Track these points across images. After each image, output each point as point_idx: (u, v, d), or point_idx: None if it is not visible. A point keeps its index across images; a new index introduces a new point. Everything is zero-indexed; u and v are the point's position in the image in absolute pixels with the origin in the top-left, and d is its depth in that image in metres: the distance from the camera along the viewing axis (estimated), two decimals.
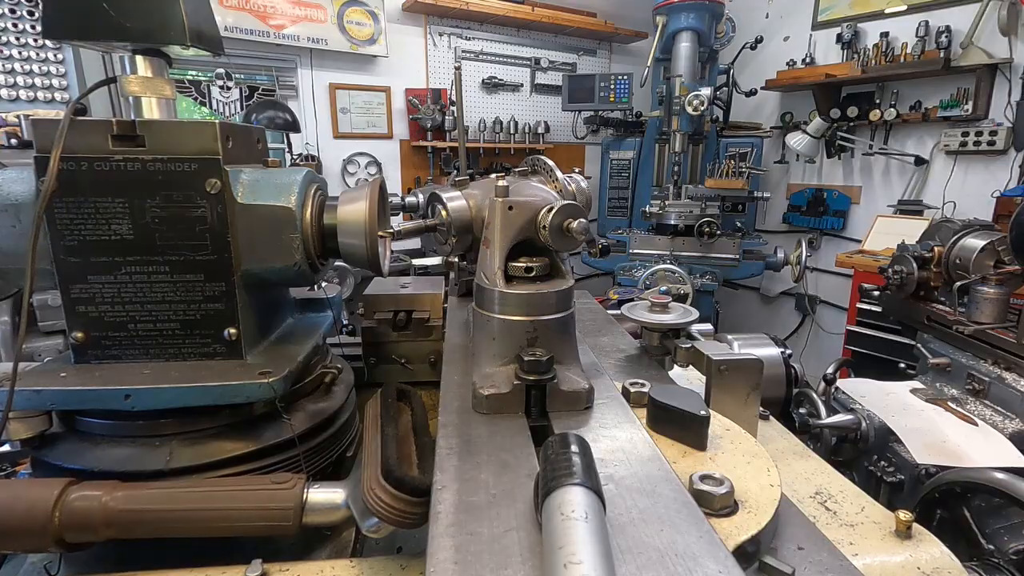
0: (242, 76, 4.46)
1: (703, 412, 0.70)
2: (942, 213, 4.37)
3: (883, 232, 4.30)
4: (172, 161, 0.79)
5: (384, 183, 0.94)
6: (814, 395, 1.84)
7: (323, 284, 1.11)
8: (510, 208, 0.78)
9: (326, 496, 0.69)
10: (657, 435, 0.72)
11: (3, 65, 3.03)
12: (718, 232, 4.04)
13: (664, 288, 3.73)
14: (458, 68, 1.66)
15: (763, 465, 0.68)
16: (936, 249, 2.04)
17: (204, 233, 0.81)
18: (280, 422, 0.87)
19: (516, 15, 5.25)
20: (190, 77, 4.25)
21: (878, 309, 3.12)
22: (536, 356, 0.70)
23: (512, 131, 5.56)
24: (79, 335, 0.82)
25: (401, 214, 3.05)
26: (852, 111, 4.80)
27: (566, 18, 5.53)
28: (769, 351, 1.22)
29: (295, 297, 1.12)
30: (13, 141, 2.29)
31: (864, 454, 1.78)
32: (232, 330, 0.85)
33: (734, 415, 0.84)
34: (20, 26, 3.05)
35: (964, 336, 1.89)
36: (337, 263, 0.94)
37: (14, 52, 3.05)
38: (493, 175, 1.07)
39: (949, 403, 1.81)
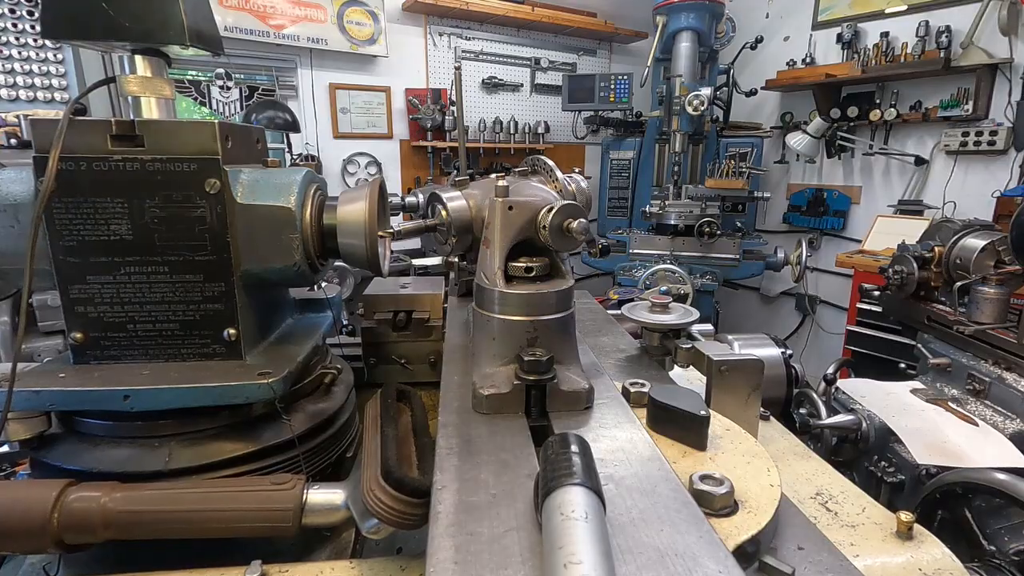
0: (242, 76, 4.46)
1: (703, 412, 0.70)
2: (942, 213, 4.37)
3: (883, 232, 4.30)
4: (171, 161, 0.79)
5: (384, 183, 0.94)
6: (814, 395, 1.84)
7: (323, 284, 1.11)
8: (510, 208, 0.78)
9: (326, 497, 0.69)
10: (657, 435, 0.71)
11: (3, 65, 3.03)
12: (718, 232, 4.04)
13: (664, 288, 3.73)
14: (458, 68, 1.66)
15: (763, 465, 0.67)
16: (936, 249, 2.04)
17: (203, 233, 0.81)
18: (280, 423, 0.87)
19: (516, 15, 5.25)
20: (190, 77, 4.25)
21: (878, 309, 3.12)
22: (536, 356, 0.70)
23: (512, 131, 5.56)
24: (78, 335, 0.82)
25: (401, 214, 3.05)
26: (852, 111, 4.80)
27: (566, 18, 5.53)
28: (769, 351, 1.22)
29: (295, 297, 1.12)
30: (12, 141, 2.28)
31: (864, 454, 1.77)
32: (231, 330, 0.85)
33: (734, 415, 0.84)
34: (20, 26, 3.05)
35: (964, 336, 1.89)
36: (337, 263, 0.94)
37: (14, 52, 3.05)
38: (493, 175, 1.07)
39: (949, 403, 1.80)
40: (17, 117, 2.60)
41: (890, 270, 2.19)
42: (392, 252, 1.03)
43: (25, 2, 3.04)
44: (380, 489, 0.62)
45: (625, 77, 5.13)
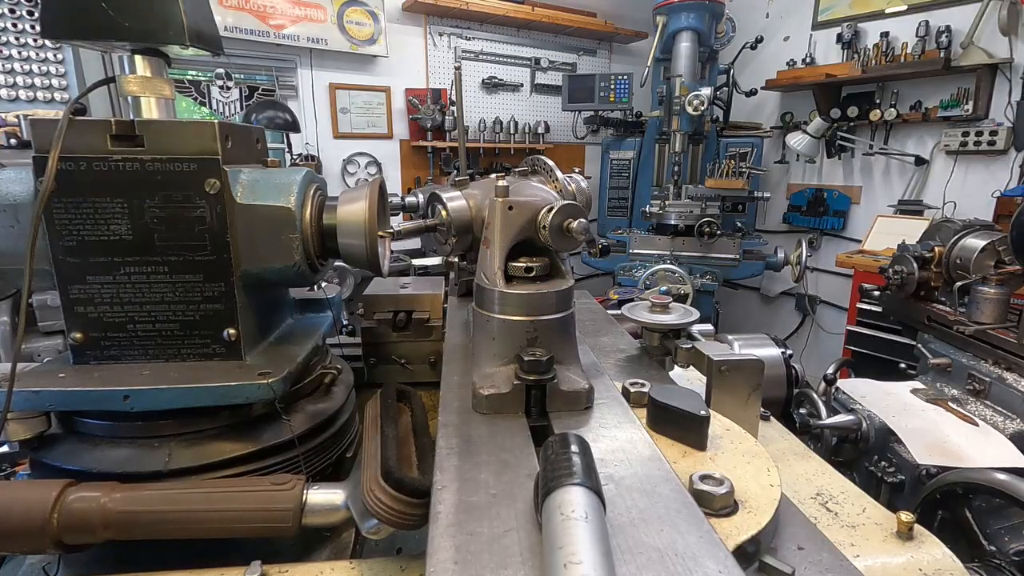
0: (242, 76, 4.46)
1: (703, 412, 0.70)
2: (942, 213, 4.37)
3: (883, 232, 4.30)
4: (171, 161, 0.78)
5: (384, 183, 0.94)
6: (814, 395, 1.84)
7: (323, 284, 1.11)
8: (510, 208, 0.78)
9: (326, 497, 0.69)
10: (657, 435, 0.71)
11: (3, 65, 3.03)
12: (718, 232, 4.04)
13: (664, 288, 3.73)
14: (458, 68, 1.66)
15: (763, 465, 0.67)
16: (936, 249, 2.03)
17: (203, 233, 0.81)
18: (280, 423, 0.87)
19: (516, 15, 5.25)
20: (190, 77, 4.25)
21: (878, 309, 3.12)
22: (536, 356, 0.70)
23: (512, 131, 5.56)
24: (78, 336, 0.82)
25: (401, 214, 3.05)
26: (852, 111, 4.80)
27: (566, 18, 5.53)
28: (769, 351, 1.22)
29: (295, 297, 1.12)
30: (12, 141, 2.28)
31: (865, 454, 1.77)
32: (231, 331, 0.85)
33: (734, 415, 0.84)
34: (20, 26, 3.05)
35: (964, 336, 1.89)
36: (337, 263, 0.94)
37: (14, 52, 3.05)
38: (493, 175, 1.07)
39: (950, 403, 1.80)
40: (17, 117, 2.59)
41: (890, 270, 2.19)
42: (392, 252, 1.02)
43: (25, 2, 3.04)
44: (380, 489, 0.62)
45: (625, 77, 5.13)
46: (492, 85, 5.60)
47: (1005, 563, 1.30)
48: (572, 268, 2.81)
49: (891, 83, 4.71)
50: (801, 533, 0.67)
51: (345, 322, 1.35)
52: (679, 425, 0.71)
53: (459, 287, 1.27)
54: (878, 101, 4.76)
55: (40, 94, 3.13)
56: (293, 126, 4.08)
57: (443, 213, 0.99)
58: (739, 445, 0.72)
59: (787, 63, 5.34)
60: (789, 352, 1.24)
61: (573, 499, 0.43)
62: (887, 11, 4.70)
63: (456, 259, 1.16)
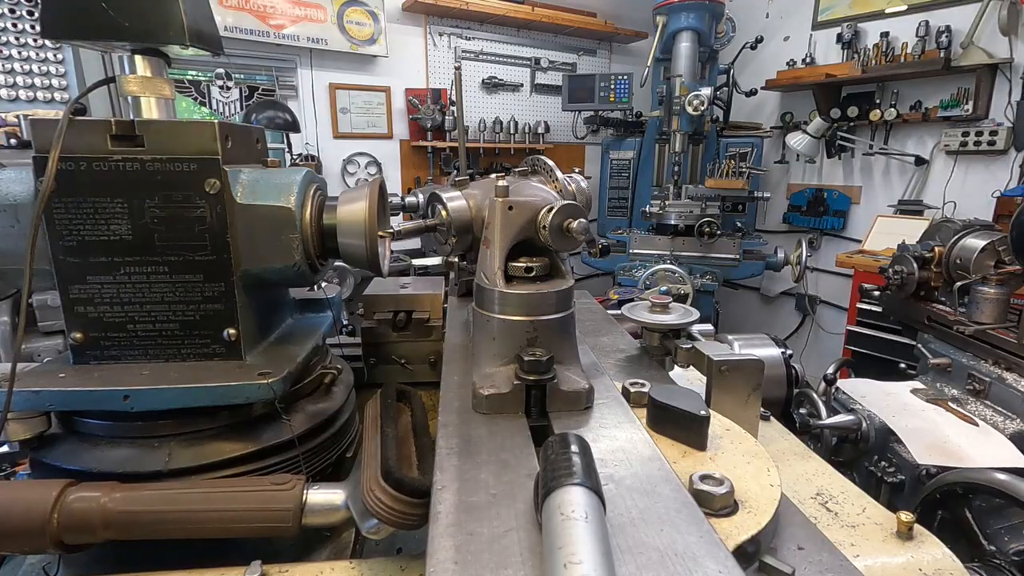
0: (242, 76, 4.46)
1: (703, 412, 0.70)
2: (942, 213, 4.37)
3: (883, 232, 4.30)
4: (171, 161, 0.78)
5: (384, 183, 0.94)
6: (814, 395, 1.84)
7: (323, 284, 1.11)
8: (510, 208, 0.78)
9: (326, 497, 0.69)
10: (657, 435, 0.71)
11: (3, 65, 3.03)
12: (718, 232, 4.04)
13: (664, 288, 3.73)
14: (458, 68, 1.66)
15: (763, 465, 0.67)
16: (936, 249, 2.04)
17: (203, 233, 0.81)
18: (280, 423, 0.87)
19: (516, 15, 5.25)
20: (190, 77, 4.25)
21: (878, 309, 3.12)
22: (536, 356, 0.70)
23: (512, 131, 5.56)
24: (78, 336, 0.82)
25: (401, 214, 3.05)
26: (852, 111, 4.80)
27: (566, 18, 5.53)
28: (769, 351, 1.22)
29: (295, 297, 1.12)
30: (12, 141, 2.28)
31: (865, 454, 1.77)
32: (231, 330, 0.85)
33: (734, 415, 0.84)
34: (20, 26, 3.05)
35: (964, 336, 1.89)
36: (337, 263, 0.94)
37: (14, 52, 3.05)
38: (493, 175, 1.07)
39: (950, 403, 1.80)
40: (17, 117, 2.59)
41: (890, 270, 2.19)
42: (392, 252, 1.02)
43: (25, 2, 3.04)
44: (380, 489, 0.62)
45: (625, 77, 5.13)
46: (492, 85, 5.60)
47: (1005, 563, 1.30)
48: (572, 268, 2.81)
49: (891, 83, 4.71)
50: (801, 533, 0.67)
51: (345, 322, 1.35)
52: (679, 425, 0.71)
53: (459, 287, 1.27)
54: (878, 101, 4.76)
55: (40, 94, 3.13)
56: (293, 126, 4.08)
57: (443, 213, 0.99)
58: (739, 445, 0.72)
59: (787, 63, 5.34)
60: (789, 352, 1.24)
61: (573, 499, 0.43)
62: (887, 11, 4.70)
63: (456, 259, 1.16)
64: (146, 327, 0.84)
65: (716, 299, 4.40)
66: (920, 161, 4.61)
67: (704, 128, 4.47)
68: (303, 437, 0.87)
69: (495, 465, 0.59)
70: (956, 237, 2.00)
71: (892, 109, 4.61)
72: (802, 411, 1.84)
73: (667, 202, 4.25)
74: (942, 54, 4.22)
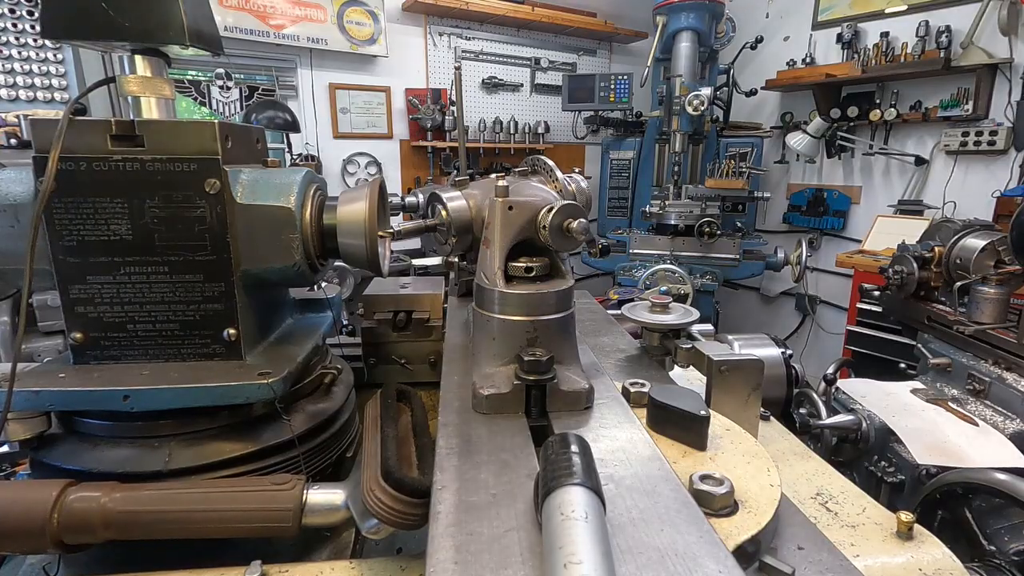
0: (242, 76, 4.46)
1: (703, 412, 0.70)
2: (942, 213, 4.37)
3: (883, 232, 4.30)
4: (171, 161, 0.78)
5: (384, 183, 0.94)
6: (814, 395, 1.84)
7: (323, 284, 1.11)
8: (510, 208, 0.78)
9: (326, 497, 0.69)
10: (657, 435, 0.71)
11: (3, 65, 3.03)
12: (718, 232, 4.04)
13: (664, 288, 3.73)
14: (458, 68, 1.66)
15: (763, 465, 0.67)
16: (936, 249, 2.04)
17: (203, 233, 0.81)
18: (280, 423, 0.87)
19: (516, 15, 5.25)
20: (190, 77, 4.25)
21: (878, 309, 3.12)
22: (536, 356, 0.70)
23: (512, 131, 5.56)
24: (78, 336, 0.82)
25: (401, 214, 3.05)
26: (852, 111, 4.80)
27: (566, 18, 5.53)
28: (769, 351, 1.22)
29: (295, 297, 1.12)
30: (12, 141, 2.28)
31: (865, 454, 1.77)
32: (231, 330, 0.85)
33: (734, 415, 0.84)
34: (20, 26, 3.05)
35: (964, 336, 1.89)
36: (337, 263, 0.94)
37: (14, 52, 3.05)
38: (493, 175, 1.07)
39: (950, 403, 1.80)
40: (17, 117, 2.59)
41: (890, 270, 2.19)
42: (392, 252, 1.02)
43: (25, 2, 3.04)
44: (380, 489, 0.62)
45: (625, 77, 5.14)
46: (492, 85, 5.60)
47: (1005, 563, 1.30)
48: (572, 268, 2.81)
49: (891, 83, 4.71)
50: (801, 533, 0.67)
51: (345, 322, 1.35)
52: (679, 425, 0.71)
53: (459, 287, 1.27)
54: (878, 101, 4.76)
55: (40, 94, 3.13)
56: (293, 126, 4.08)
57: (443, 213, 0.99)
58: (739, 445, 0.72)
59: (787, 63, 5.34)
60: (789, 352, 1.24)
61: (573, 499, 0.43)
62: (887, 11, 4.70)
63: (456, 259, 1.16)
64: (146, 327, 0.84)
65: (716, 299, 4.40)
66: (920, 161, 4.61)
67: (704, 128, 4.47)
68: (303, 437, 0.87)
69: (495, 465, 0.59)
70: (956, 237, 2.00)
71: (892, 109, 4.62)
72: (802, 411, 1.84)
73: (667, 202, 4.25)
74: (942, 54, 4.22)
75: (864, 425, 1.75)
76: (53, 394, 0.76)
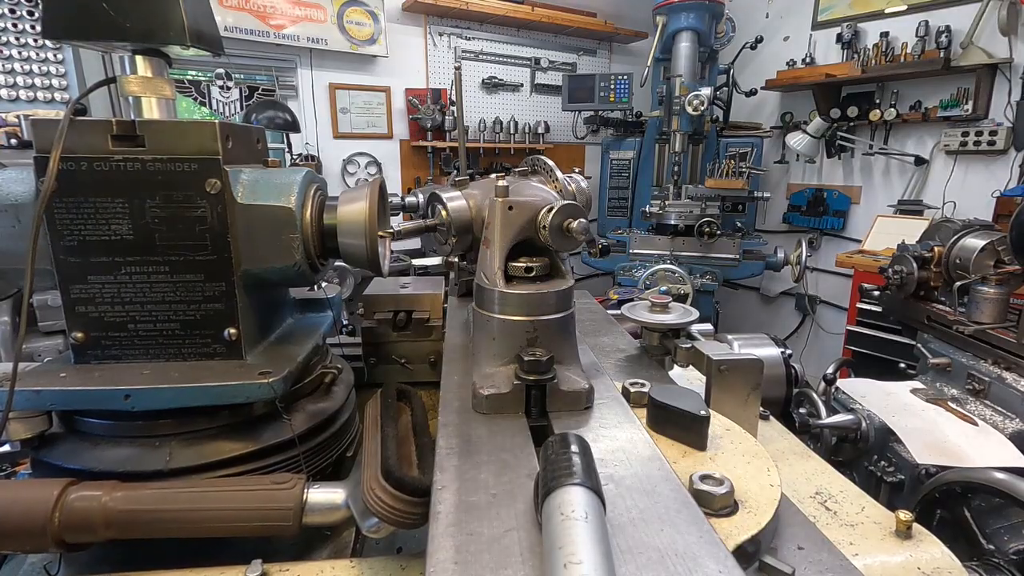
0: (242, 76, 4.46)
1: (703, 412, 0.70)
2: (942, 213, 4.37)
3: (883, 232, 4.30)
4: (172, 161, 0.79)
5: (384, 183, 0.94)
6: (814, 395, 1.84)
7: (323, 284, 1.11)
8: (510, 208, 0.78)
9: (326, 496, 0.69)
10: (657, 435, 0.72)
11: (3, 65, 3.03)
12: (718, 232, 4.04)
13: (664, 288, 3.73)
14: (458, 68, 1.66)
15: (763, 465, 0.67)
16: (936, 249, 2.04)
17: (204, 233, 0.81)
18: (280, 422, 0.87)
19: (516, 15, 5.25)
20: (190, 77, 4.25)
21: (878, 309, 3.12)
22: (536, 356, 0.70)
23: (512, 131, 5.56)
24: (79, 335, 0.82)
25: (401, 214, 3.05)
26: (852, 111, 4.80)
27: (566, 18, 5.53)
28: (769, 351, 1.22)
29: (295, 297, 1.12)
30: (13, 141, 2.29)
31: (864, 454, 1.78)
32: (232, 330, 0.85)
33: (734, 415, 0.84)
34: (20, 26, 3.05)
35: (964, 336, 1.89)
36: (337, 263, 0.94)
37: (14, 52, 3.05)
38: (493, 175, 1.07)
39: (949, 403, 1.81)
40: (17, 117, 2.60)
41: (890, 270, 2.20)
42: (392, 252, 1.03)
43: (25, 2, 3.04)
44: (380, 488, 0.62)
45: (625, 77, 5.14)
46: (492, 85, 5.60)
47: (1004, 562, 1.30)
48: (572, 268, 2.81)
49: (891, 83, 4.71)
50: (801, 533, 0.68)
51: (345, 322, 1.35)
52: (679, 425, 0.71)
53: (459, 287, 1.27)
54: (878, 101, 4.76)
55: (40, 94, 3.13)
56: (293, 126, 4.08)
57: (443, 213, 0.99)
58: (739, 445, 0.72)
59: (787, 63, 5.34)
60: (789, 352, 1.24)
61: (573, 499, 0.43)
62: (887, 11, 4.70)
63: (456, 259, 1.16)
64: (147, 327, 0.84)
65: (716, 299, 4.41)
66: (920, 161, 4.61)
67: (704, 128, 4.47)
68: (303, 436, 0.87)
69: (495, 465, 0.59)
70: (956, 237, 2.00)
71: (892, 109, 4.62)
72: (802, 411, 1.84)
73: (667, 202, 4.25)
74: (942, 54, 4.23)
75: (864, 425, 1.75)
76: (54, 393, 0.76)
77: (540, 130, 5.65)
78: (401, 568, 0.69)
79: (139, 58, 0.84)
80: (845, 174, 5.26)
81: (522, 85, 5.79)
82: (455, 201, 0.99)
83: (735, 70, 5.01)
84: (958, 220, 2.08)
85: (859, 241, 4.69)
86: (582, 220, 0.77)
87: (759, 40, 5.22)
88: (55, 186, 0.75)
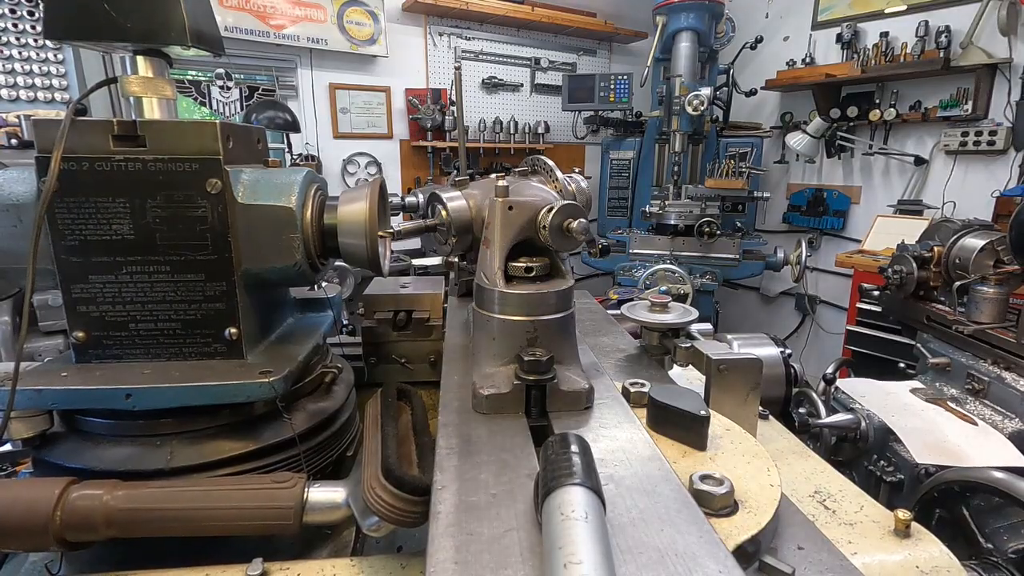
0: (242, 76, 4.46)
1: (703, 412, 0.70)
2: (942, 213, 4.37)
3: (883, 232, 4.30)
4: (173, 161, 0.79)
5: (384, 183, 0.95)
6: (814, 395, 1.84)
7: (323, 284, 1.11)
8: (510, 208, 0.78)
9: (326, 495, 0.70)
10: (657, 435, 0.72)
11: (3, 65, 3.03)
12: (718, 232, 4.04)
13: (664, 288, 3.73)
14: (458, 68, 1.66)
15: (763, 465, 0.68)
16: (936, 249, 2.04)
17: (205, 233, 0.81)
18: (280, 421, 0.87)
19: (516, 15, 5.25)
20: (190, 77, 4.25)
21: (878, 309, 3.12)
22: (536, 356, 0.70)
23: (512, 131, 5.56)
24: (80, 335, 0.83)
25: (401, 214, 3.05)
26: (852, 111, 4.80)
27: (566, 18, 5.53)
28: (769, 351, 1.22)
29: (295, 297, 1.12)
30: (14, 141, 2.29)
31: (864, 454, 1.78)
32: (233, 330, 0.85)
33: (734, 415, 0.84)
34: (20, 26, 3.05)
35: (964, 336, 1.89)
36: (337, 263, 0.95)
37: (14, 52, 3.05)
38: (493, 175, 1.07)
39: (949, 403, 1.81)
40: (18, 117, 2.60)
41: (890, 270, 2.20)
42: (392, 252, 1.03)
43: (25, 2, 3.04)
44: (381, 487, 0.62)
45: (625, 77, 5.14)
46: (492, 85, 5.60)
47: (1003, 561, 1.30)
48: (572, 268, 2.82)
49: (891, 83, 4.71)
50: (801, 533, 0.68)
51: (345, 322, 1.35)
52: (679, 425, 0.72)
53: (459, 287, 1.28)
54: (878, 101, 4.76)
55: (41, 94, 3.13)
56: (293, 126, 4.08)
57: (443, 213, 0.99)
58: (739, 445, 0.72)
59: (787, 63, 5.34)
60: (788, 352, 1.24)
61: (573, 499, 0.43)
62: (887, 11, 4.70)
63: (456, 259, 1.16)
64: (148, 326, 0.84)
65: (716, 299, 4.41)
66: (920, 161, 4.61)
67: (704, 128, 4.47)
68: (304, 436, 0.88)
69: (495, 465, 0.59)
70: (955, 237, 2.01)
71: (892, 109, 4.62)
72: (801, 410, 1.84)
73: (667, 202, 4.25)
74: (942, 54, 4.23)
75: (863, 424, 1.75)
76: (55, 393, 0.76)
77: (540, 130, 5.65)
78: (401, 567, 0.69)
79: (140, 58, 0.84)
80: (845, 174, 5.26)
81: (522, 85, 5.79)
82: (455, 201, 0.99)
83: (735, 70, 5.01)
84: (958, 220, 2.08)
85: (859, 241, 4.69)
86: (582, 220, 0.77)
87: (759, 40, 5.22)
88: (56, 186, 0.75)
